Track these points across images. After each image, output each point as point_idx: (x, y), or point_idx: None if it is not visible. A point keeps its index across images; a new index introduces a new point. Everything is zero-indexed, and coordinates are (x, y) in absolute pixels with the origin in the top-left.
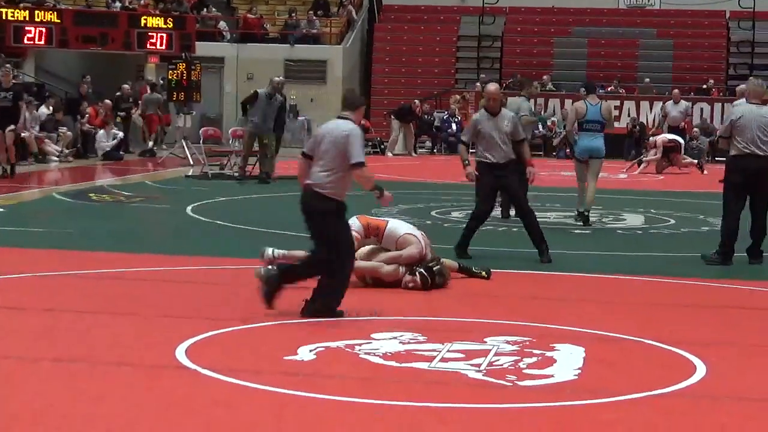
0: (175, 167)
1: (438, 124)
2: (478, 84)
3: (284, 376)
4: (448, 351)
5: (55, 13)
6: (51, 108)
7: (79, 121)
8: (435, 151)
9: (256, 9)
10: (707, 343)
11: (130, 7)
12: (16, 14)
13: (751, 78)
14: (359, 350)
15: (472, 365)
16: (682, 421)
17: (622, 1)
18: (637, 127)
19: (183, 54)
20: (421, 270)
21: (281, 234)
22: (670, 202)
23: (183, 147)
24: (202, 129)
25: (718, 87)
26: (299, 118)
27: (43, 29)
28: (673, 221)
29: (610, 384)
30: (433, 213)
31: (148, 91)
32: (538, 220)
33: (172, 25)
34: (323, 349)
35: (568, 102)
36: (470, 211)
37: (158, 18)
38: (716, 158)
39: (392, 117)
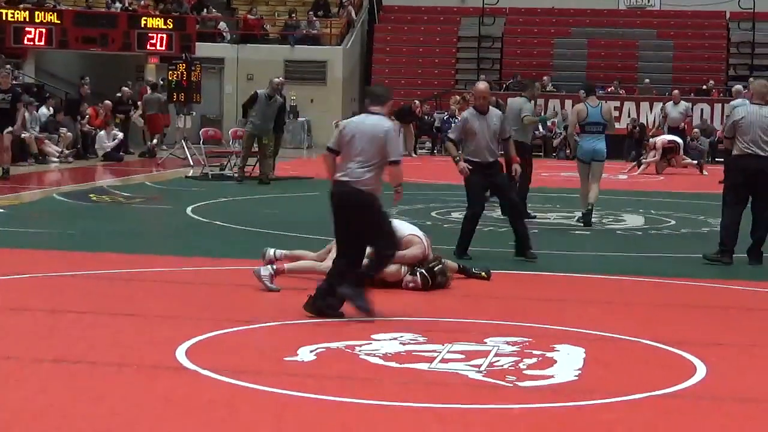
0: (175, 168)
1: (438, 125)
2: None
3: (284, 377)
4: (449, 352)
5: (55, 13)
6: (51, 109)
7: (80, 121)
8: (435, 151)
9: (256, 10)
10: (707, 343)
11: (130, 8)
12: (16, 15)
13: (753, 79)
14: (359, 351)
15: (472, 366)
16: (682, 421)
17: (622, 1)
18: (637, 127)
19: (183, 55)
20: (422, 270)
21: (281, 234)
22: (670, 202)
23: (183, 148)
24: (202, 130)
25: (718, 88)
26: (299, 118)
27: (43, 30)
28: (673, 222)
29: (610, 384)
30: (433, 214)
31: (149, 91)
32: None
33: (172, 25)
34: (323, 349)
35: (568, 103)
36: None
37: (158, 19)
38: (716, 159)
39: (392, 118)
